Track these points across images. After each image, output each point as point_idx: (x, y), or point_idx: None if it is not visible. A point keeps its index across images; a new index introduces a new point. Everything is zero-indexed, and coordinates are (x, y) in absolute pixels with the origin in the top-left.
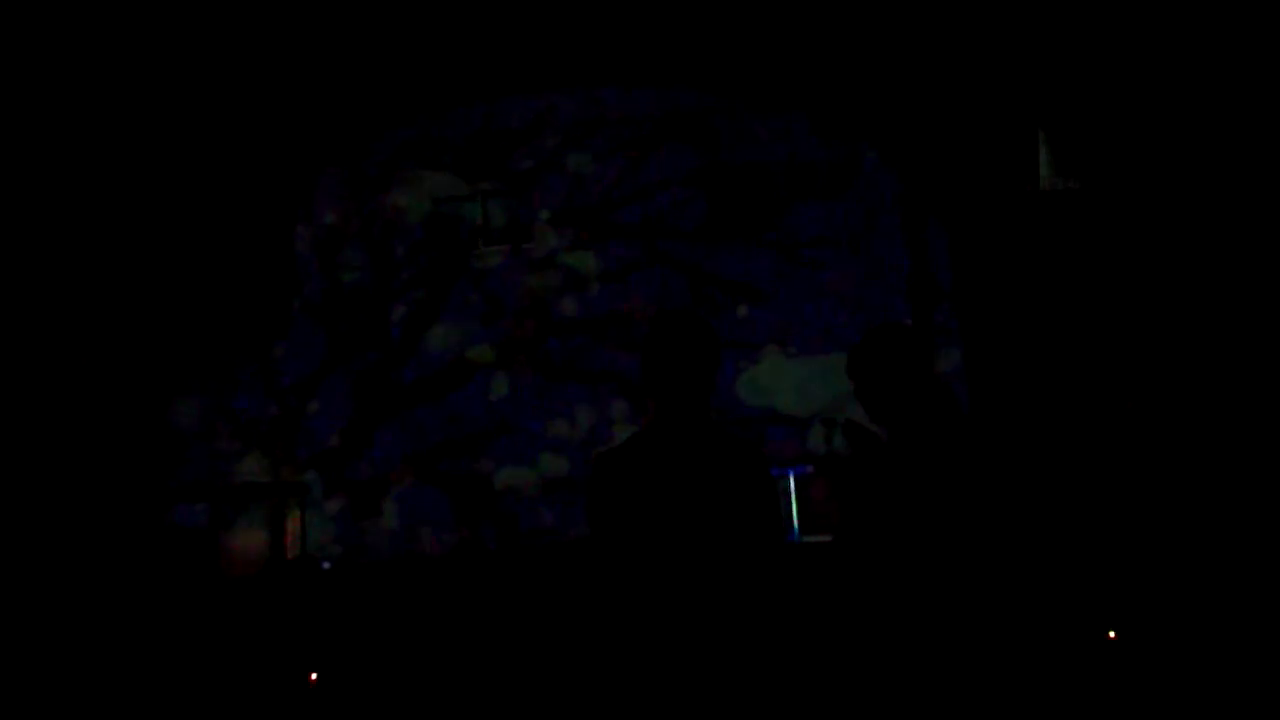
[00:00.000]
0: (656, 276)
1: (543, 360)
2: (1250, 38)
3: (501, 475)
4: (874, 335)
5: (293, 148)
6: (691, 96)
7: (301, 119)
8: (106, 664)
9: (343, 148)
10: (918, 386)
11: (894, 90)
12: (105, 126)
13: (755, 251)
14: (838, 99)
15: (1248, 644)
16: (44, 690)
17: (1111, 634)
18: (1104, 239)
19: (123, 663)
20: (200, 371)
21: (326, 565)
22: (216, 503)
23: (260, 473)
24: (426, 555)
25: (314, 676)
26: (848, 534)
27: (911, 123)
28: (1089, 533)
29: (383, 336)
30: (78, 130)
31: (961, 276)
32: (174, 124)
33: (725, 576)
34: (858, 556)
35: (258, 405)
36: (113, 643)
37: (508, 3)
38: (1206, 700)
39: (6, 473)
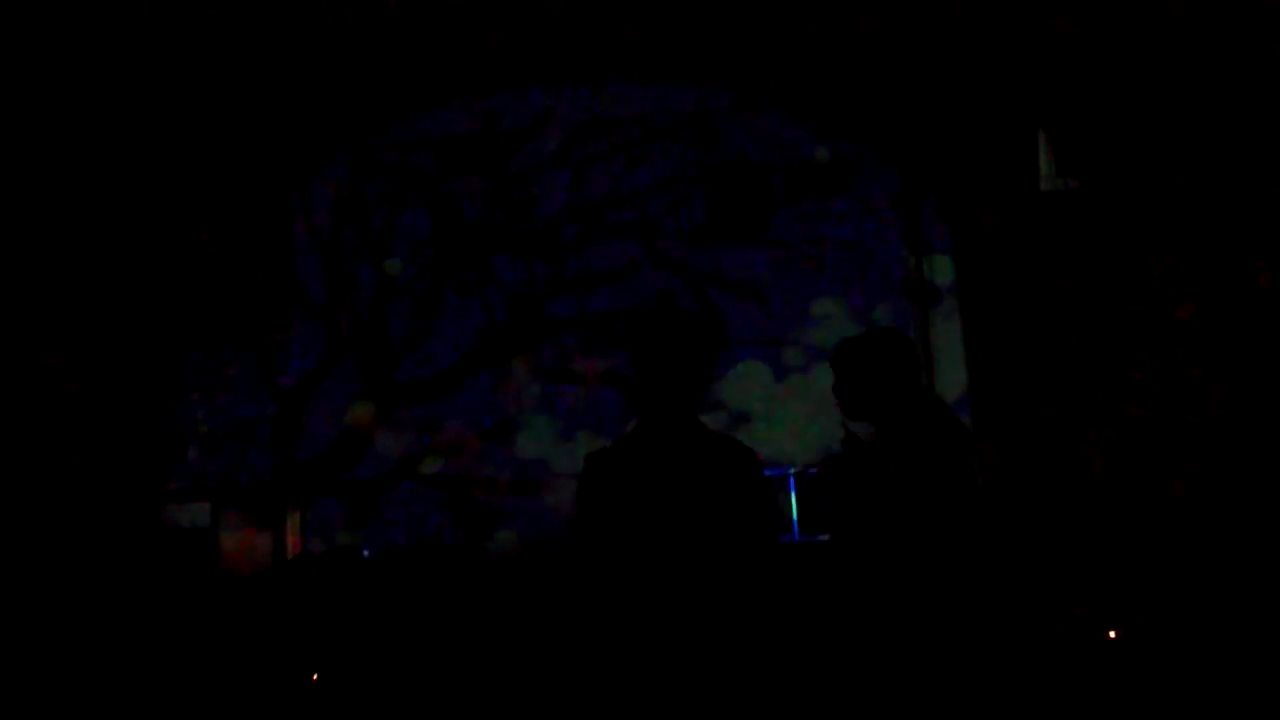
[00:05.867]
0: (656, 277)
1: (541, 361)
2: (1250, 37)
3: (500, 476)
4: (869, 337)
5: (290, 146)
6: (691, 96)
7: (298, 116)
8: (106, 664)
9: (341, 147)
10: (908, 390)
11: (894, 89)
12: (101, 125)
13: (755, 251)
14: (838, 98)
15: (1245, 643)
16: (44, 690)
17: (1112, 634)
18: (1107, 237)
19: (122, 662)
20: (200, 371)
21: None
22: (216, 503)
23: (260, 473)
24: (425, 555)
25: (315, 676)
26: (841, 535)
27: (912, 122)
28: (1090, 532)
29: (383, 336)
30: (73, 129)
31: (964, 275)
32: (169, 119)
33: (716, 577)
34: (851, 557)
35: (258, 405)
36: (112, 643)
37: (508, 1)
38: (1205, 701)
39: (5, 473)
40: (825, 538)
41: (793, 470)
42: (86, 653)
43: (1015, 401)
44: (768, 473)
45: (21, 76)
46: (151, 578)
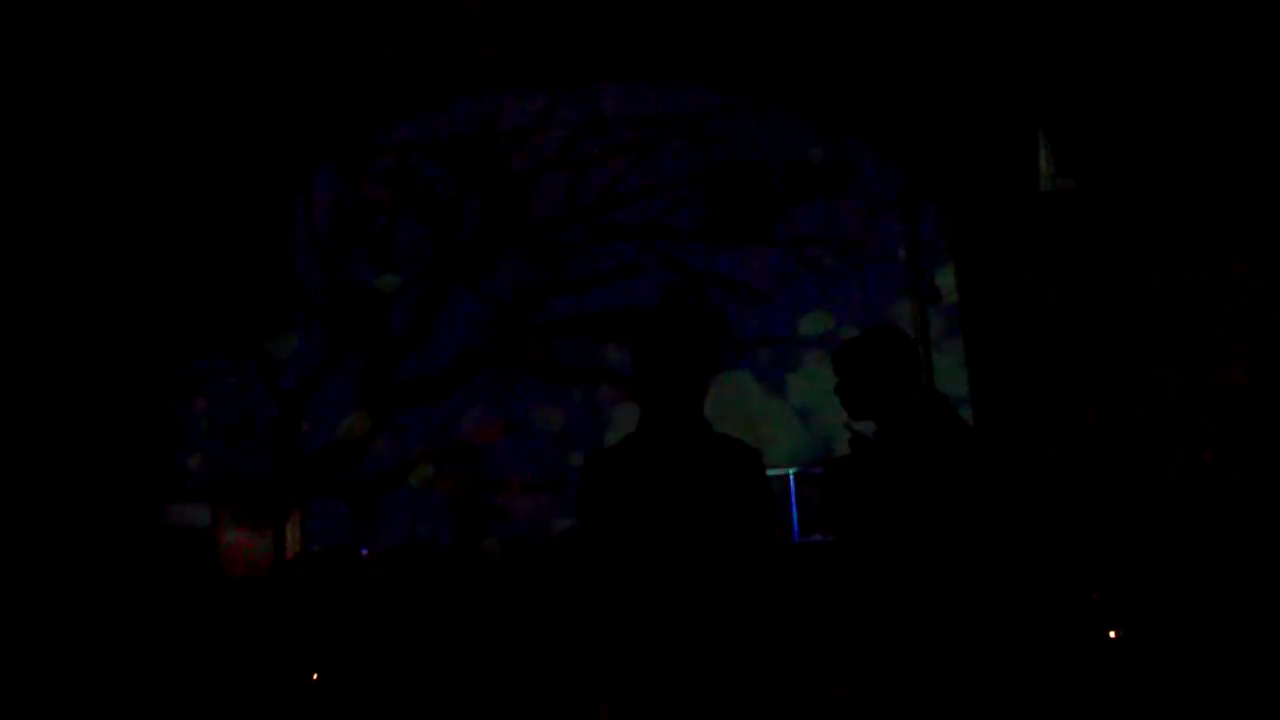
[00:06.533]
0: (656, 276)
1: (542, 361)
2: (1251, 37)
3: (500, 476)
4: (869, 337)
5: (290, 147)
6: (691, 96)
7: (299, 119)
8: (106, 663)
9: (341, 146)
10: (912, 389)
11: (894, 90)
12: (104, 130)
13: (755, 251)
14: (838, 98)
15: (1247, 643)
16: (44, 690)
17: (1112, 634)
18: (1107, 237)
19: (122, 662)
20: (201, 372)
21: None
22: (216, 503)
23: (260, 473)
24: (424, 555)
25: (315, 676)
26: (847, 535)
27: (911, 122)
28: (1089, 531)
29: (383, 336)
30: (76, 133)
31: (964, 275)
32: (171, 122)
33: (719, 577)
34: (857, 557)
35: (258, 406)
36: (112, 642)
37: (508, 1)
38: (1207, 700)
39: (7, 473)
40: (822, 538)
41: (792, 471)
42: (87, 652)
43: (1015, 401)
44: (768, 474)
45: (28, 84)
46: (151, 578)
